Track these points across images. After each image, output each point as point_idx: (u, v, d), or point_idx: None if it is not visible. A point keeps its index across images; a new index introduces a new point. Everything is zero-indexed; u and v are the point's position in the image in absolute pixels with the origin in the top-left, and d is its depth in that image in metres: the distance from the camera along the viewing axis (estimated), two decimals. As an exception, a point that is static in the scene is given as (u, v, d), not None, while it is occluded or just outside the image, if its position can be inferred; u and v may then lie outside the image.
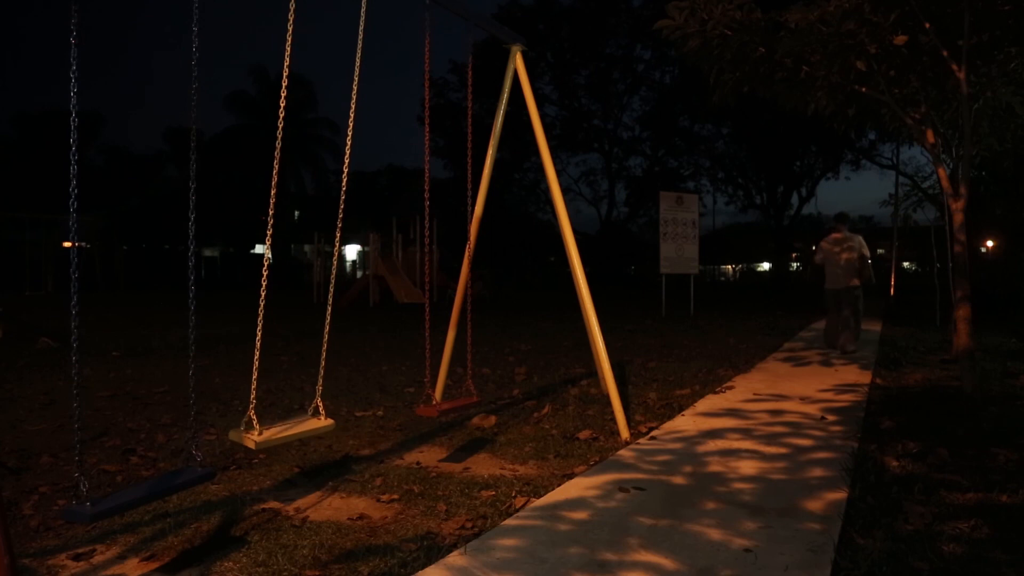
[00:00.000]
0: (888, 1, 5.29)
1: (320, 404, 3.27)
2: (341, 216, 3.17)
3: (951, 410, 5.33)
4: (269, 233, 3.14)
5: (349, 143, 3.48)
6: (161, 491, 2.70)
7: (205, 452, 4.10)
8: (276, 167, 2.91)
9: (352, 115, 3.32)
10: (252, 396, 2.98)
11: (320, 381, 3.39)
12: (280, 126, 3.04)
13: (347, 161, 3.38)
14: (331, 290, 3.31)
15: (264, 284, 2.93)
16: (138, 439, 4.65)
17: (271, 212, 3.15)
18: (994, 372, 6.92)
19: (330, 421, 3.26)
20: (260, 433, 2.92)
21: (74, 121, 2.44)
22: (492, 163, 5.38)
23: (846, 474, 3.71)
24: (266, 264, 3.05)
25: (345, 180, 3.39)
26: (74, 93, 2.44)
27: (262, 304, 2.86)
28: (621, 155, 43.08)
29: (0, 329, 10.32)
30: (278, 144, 3.00)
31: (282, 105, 3.12)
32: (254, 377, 3.01)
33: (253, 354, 3.05)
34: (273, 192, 3.03)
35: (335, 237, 3.40)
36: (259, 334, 2.98)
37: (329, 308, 3.20)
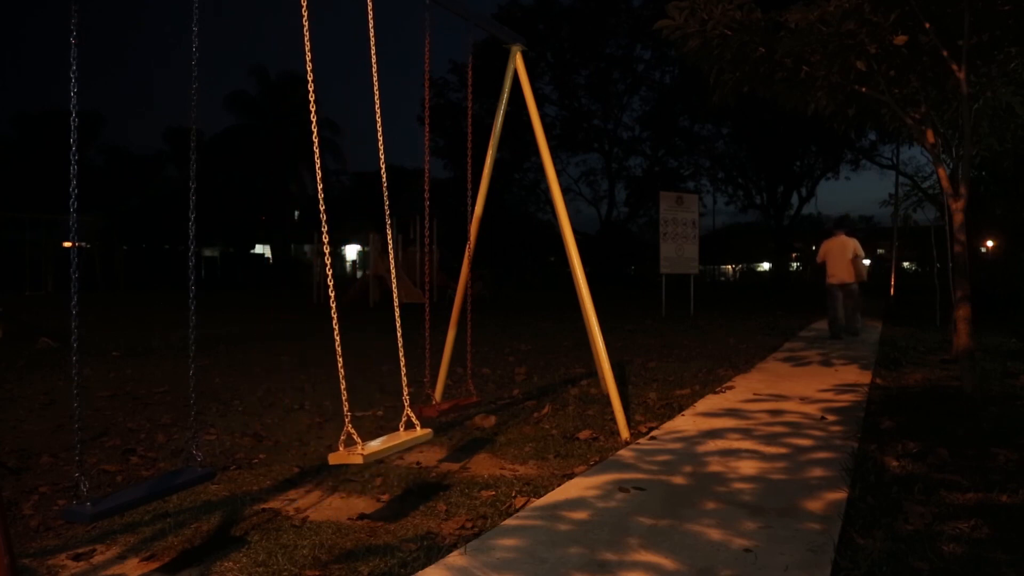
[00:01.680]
0: (888, 1, 5.29)
1: (413, 416, 3.28)
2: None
3: (951, 410, 5.33)
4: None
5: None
6: (161, 491, 2.70)
7: (205, 452, 4.10)
8: (316, 152, 2.91)
9: (377, 115, 3.31)
10: (346, 411, 2.92)
11: (405, 392, 3.37)
12: (313, 119, 3.03)
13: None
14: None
15: (333, 286, 2.93)
16: (138, 439, 4.65)
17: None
18: (994, 372, 6.92)
19: (428, 431, 3.29)
20: (363, 447, 2.89)
21: (74, 121, 2.44)
22: (492, 163, 5.38)
23: (846, 474, 3.71)
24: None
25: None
26: (74, 93, 2.44)
27: (333, 307, 2.86)
28: (621, 155, 43.12)
29: (0, 329, 10.32)
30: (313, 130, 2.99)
31: (310, 98, 3.11)
32: (343, 387, 2.96)
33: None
34: (321, 190, 3.02)
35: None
36: (337, 338, 2.97)
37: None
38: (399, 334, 3.37)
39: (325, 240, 2.89)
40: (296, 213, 43.40)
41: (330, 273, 3.07)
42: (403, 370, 3.47)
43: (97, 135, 40.69)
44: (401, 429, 3.30)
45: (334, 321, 2.96)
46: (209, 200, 30.78)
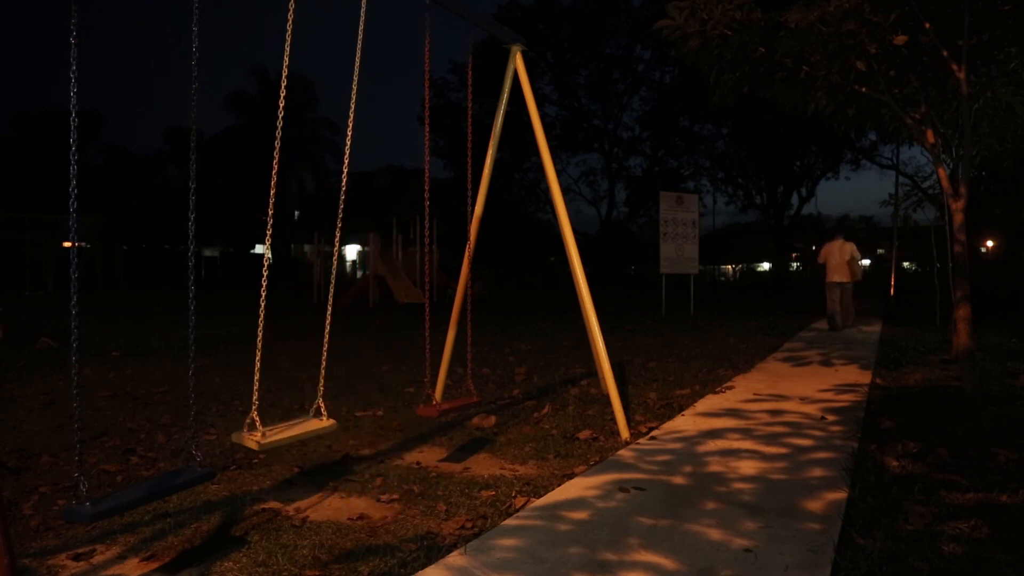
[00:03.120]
0: (888, 1, 5.29)
1: (322, 405, 3.28)
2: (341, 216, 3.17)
3: (951, 410, 5.33)
4: (269, 233, 3.13)
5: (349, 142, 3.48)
6: (161, 491, 2.70)
7: (205, 452, 4.11)
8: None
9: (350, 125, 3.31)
10: (254, 397, 2.98)
11: (321, 382, 3.40)
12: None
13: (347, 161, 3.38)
14: (331, 291, 3.31)
15: (264, 283, 2.94)
16: (138, 439, 4.65)
17: (270, 211, 3.15)
18: (994, 372, 6.92)
19: (331, 422, 3.27)
20: (263, 435, 2.92)
21: (74, 121, 2.44)
22: (492, 163, 5.37)
23: (846, 474, 3.71)
24: (266, 264, 3.05)
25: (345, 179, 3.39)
26: (74, 93, 2.44)
27: (263, 304, 2.86)
28: (621, 155, 43.11)
29: (0, 329, 10.32)
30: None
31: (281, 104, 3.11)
32: (256, 378, 3.01)
33: (254, 354, 3.05)
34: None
35: (335, 237, 3.40)
36: (260, 334, 2.98)
37: (329, 308, 3.20)
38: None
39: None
40: (296, 213, 43.39)
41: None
42: (324, 357, 3.45)
43: (97, 135, 40.69)
44: (311, 415, 3.29)
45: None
46: (209, 200, 30.77)
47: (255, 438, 2.89)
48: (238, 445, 3.06)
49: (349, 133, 3.47)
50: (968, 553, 2.75)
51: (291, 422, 3.19)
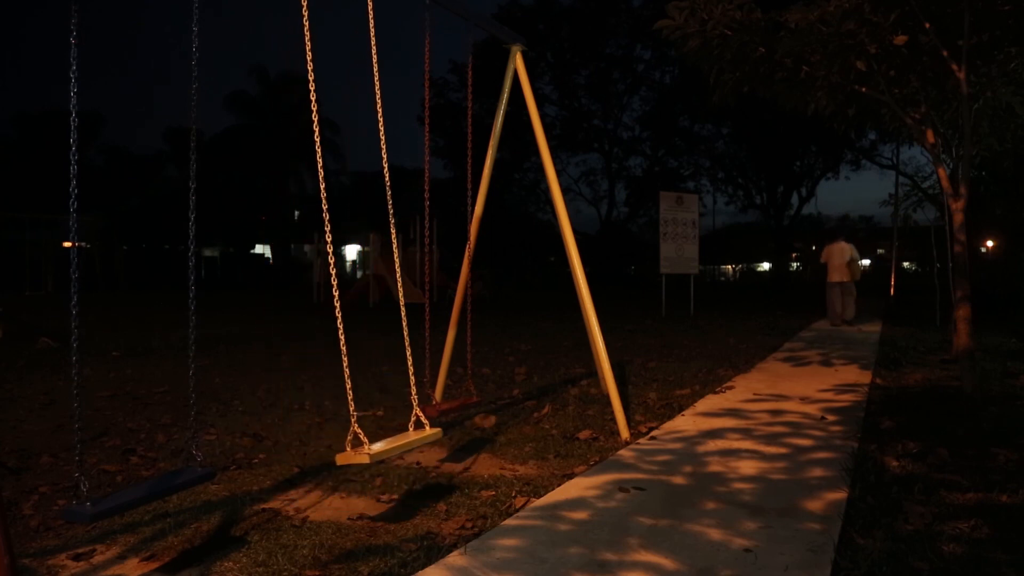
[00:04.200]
0: (888, 1, 5.29)
1: (421, 415, 3.29)
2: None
3: (951, 410, 5.33)
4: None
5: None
6: (161, 491, 2.70)
7: (205, 452, 4.10)
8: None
9: (379, 115, 3.31)
10: (352, 411, 2.94)
11: (418, 386, 3.36)
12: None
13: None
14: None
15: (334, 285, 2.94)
16: (138, 439, 4.65)
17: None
18: (994, 372, 6.92)
19: (437, 430, 3.30)
20: (369, 447, 2.89)
21: (74, 121, 2.44)
22: (492, 163, 5.38)
23: (846, 474, 3.71)
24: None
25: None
26: (74, 93, 2.44)
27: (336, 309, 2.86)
28: (621, 155, 43.08)
29: (0, 329, 10.32)
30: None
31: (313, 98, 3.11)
32: (348, 387, 2.99)
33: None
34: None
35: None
36: (344, 349, 2.97)
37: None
38: (405, 334, 3.37)
39: (328, 240, 2.89)
40: (296, 213, 43.39)
41: (333, 272, 3.06)
42: (410, 369, 3.46)
43: (97, 135, 40.69)
44: (411, 428, 3.30)
45: (338, 321, 2.95)
46: (209, 200, 30.75)
47: (365, 451, 2.85)
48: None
49: (380, 131, 3.46)
50: (968, 553, 2.75)
51: (395, 435, 3.21)
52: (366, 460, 2.86)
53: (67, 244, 28.32)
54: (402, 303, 3.41)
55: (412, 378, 3.44)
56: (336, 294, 3.02)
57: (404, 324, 3.41)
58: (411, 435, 3.21)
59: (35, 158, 35.68)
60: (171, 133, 42.47)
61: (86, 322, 11.73)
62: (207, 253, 43.07)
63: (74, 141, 2.47)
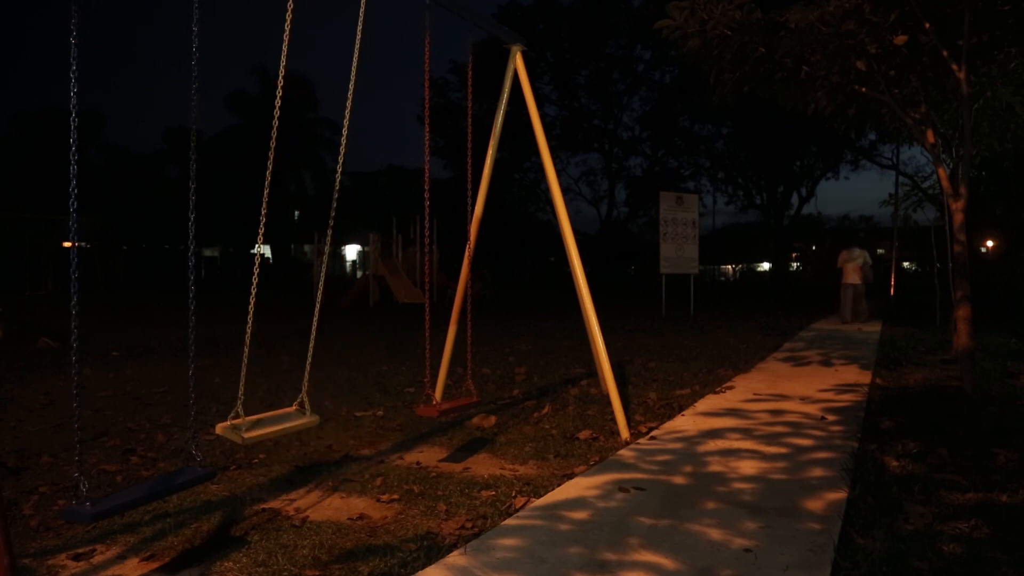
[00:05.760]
0: (888, 1, 5.29)
1: (306, 400, 3.29)
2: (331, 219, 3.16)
3: (951, 410, 5.33)
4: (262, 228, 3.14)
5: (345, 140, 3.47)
6: (161, 491, 2.70)
7: (205, 452, 4.11)
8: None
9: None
10: (240, 391, 3.00)
11: (306, 378, 3.38)
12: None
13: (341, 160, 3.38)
14: (320, 286, 3.30)
15: (255, 280, 2.97)
16: (138, 439, 4.65)
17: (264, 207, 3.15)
18: (994, 372, 6.92)
19: (315, 417, 3.29)
20: (247, 429, 2.94)
21: (74, 121, 2.45)
22: (492, 163, 5.37)
23: (846, 474, 3.71)
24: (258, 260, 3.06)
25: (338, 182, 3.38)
26: (74, 93, 2.44)
27: (253, 295, 2.87)
28: (621, 155, 43.08)
29: (0, 329, 10.32)
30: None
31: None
32: (243, 372, 3.02)
33: (254, 354, 3.06)
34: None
35: (336, 236, 3.40)
36: (249, 330, 2.99)
37: (317, 305, 3.20)
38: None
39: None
40: (296, 213, 43.38)
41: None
42: (310, 353, 3.46)
43: (97, 135, 40.67)
44: (294, 410, 3.30)
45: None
46: (209, 200, 30.75)
47: (240, 433, 2.92)
48: (238, 445, 3.07)
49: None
50: (968, 553, 2.75)
51: (273, 413, 3.21)
52: (239, 440, 2.91)
53: (67, 244, 28.31)
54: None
55: (308, 368, 3.42)
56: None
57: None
58: (291, 420, 3.21)
59: (35, 158, 35.67)
60: (171, 133, 42.45)
61: (86, 322, 11.72)
62: (207, 253, 43.06)
63: (74, 141, 2.47)
